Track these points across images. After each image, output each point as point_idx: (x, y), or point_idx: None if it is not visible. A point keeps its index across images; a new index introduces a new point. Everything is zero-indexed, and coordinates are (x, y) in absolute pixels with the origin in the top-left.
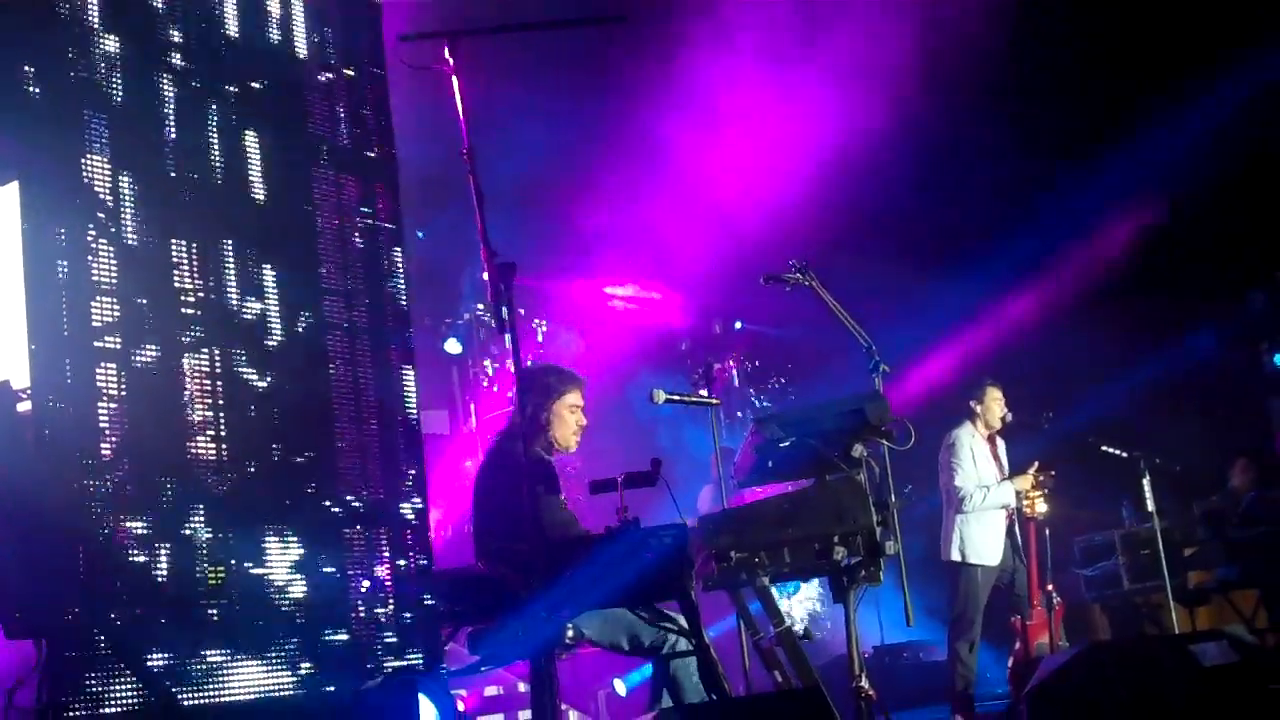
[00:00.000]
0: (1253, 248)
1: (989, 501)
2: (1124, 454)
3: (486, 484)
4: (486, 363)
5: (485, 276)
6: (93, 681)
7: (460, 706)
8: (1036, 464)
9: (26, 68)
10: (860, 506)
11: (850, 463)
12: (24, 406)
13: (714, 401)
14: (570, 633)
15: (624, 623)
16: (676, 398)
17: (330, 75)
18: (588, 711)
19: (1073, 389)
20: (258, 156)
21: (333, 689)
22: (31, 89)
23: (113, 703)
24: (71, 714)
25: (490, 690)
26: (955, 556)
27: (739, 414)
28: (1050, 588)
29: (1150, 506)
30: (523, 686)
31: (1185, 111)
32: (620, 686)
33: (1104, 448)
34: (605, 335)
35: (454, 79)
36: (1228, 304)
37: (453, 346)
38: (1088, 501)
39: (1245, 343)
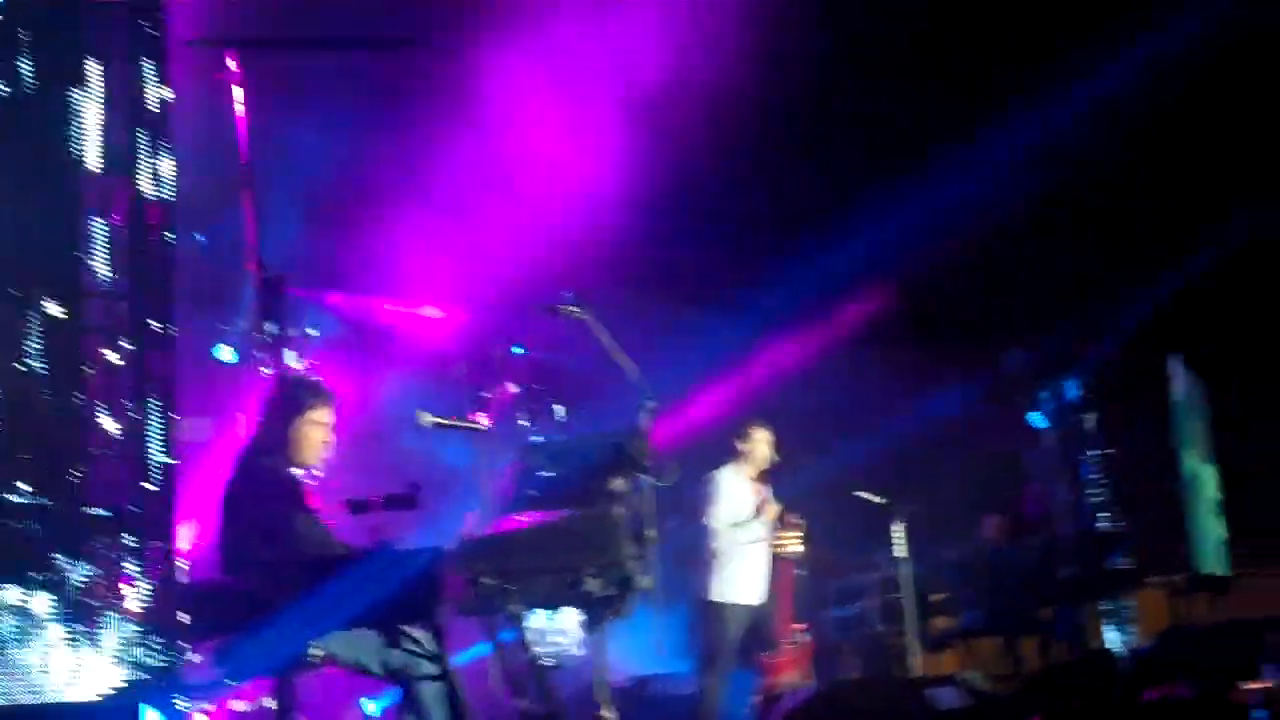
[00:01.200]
0: (1014, 305)
1: (738, 540)
2: (879, 500)
3: (234, 496)
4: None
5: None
6: None
7: None
8: (782, 507)
9: None
10: (616, 540)
11: (610, 496)
12: None
13: (480, 427)
14: (316, 651)
15: (372, 644)
16: (443, 421)
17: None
18: None
19: (836, 434)
20: None
21: (64, 700)
22: None
23: None
24: None
25: (237, 705)
26: (712, 595)
27: (513, 439)
28: (800, 627)
29: (901, 552)
30: (269, 703)
31: (943, 172)
32: (370, 707)
33: (860, 494)
34: (383, 353)
35: (236, 89)
36: (988, 359)
37: (225, 354)
38: (845, 544)
39: (1002, 398)
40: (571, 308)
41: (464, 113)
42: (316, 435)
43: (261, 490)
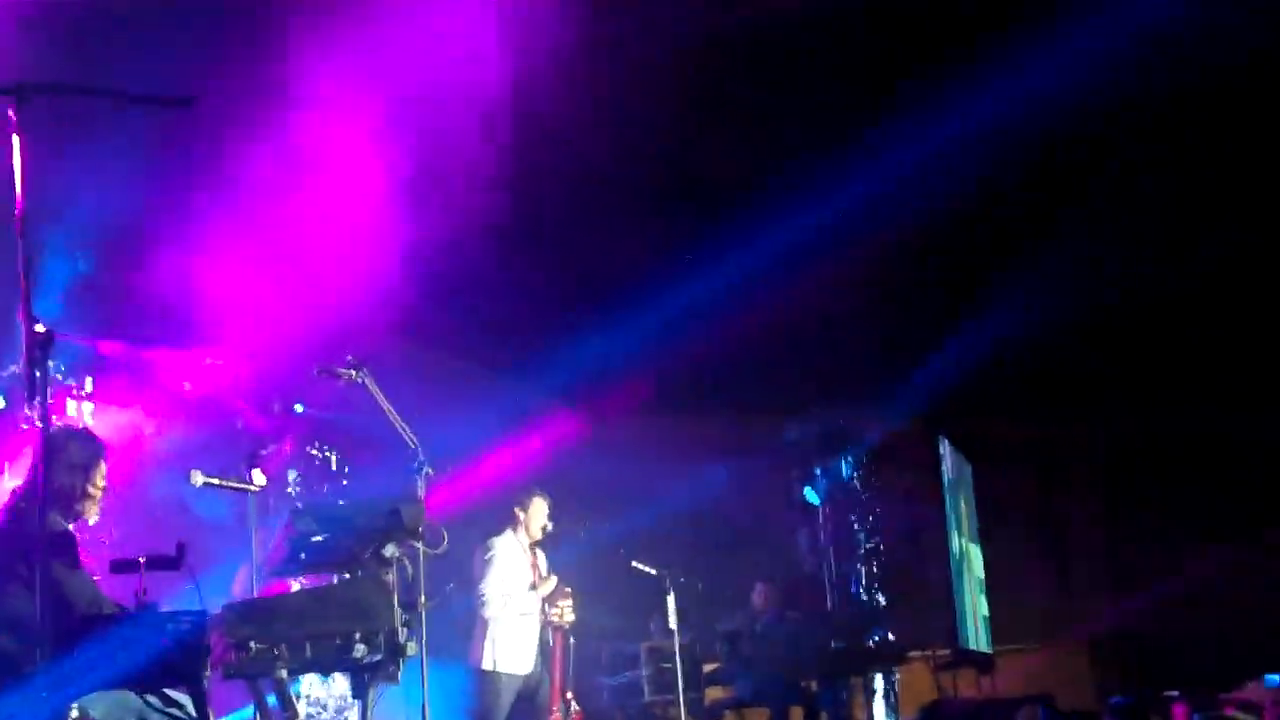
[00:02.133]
0: (793, 381)
1: (511, 609)
2: (652, 570)
3: (4, 548)
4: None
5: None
6: None
7: None
8: (555, 578)
9: None
10: (385, 605)
11: (381, 562)
12: None
13: (253, 487)
14: (75, 714)
15: (132, 706)
16: (215, 481)
17: None
18: None
19: (611, 505)
20: None
21: None
22: None
23: None
24: None
25: None
26: (485, 664)
27: (287, 500)
28: (569, 695)
29: (672, 623)
30: None
31: (729, 246)
32: None
33: (634, 563)
34: (159, 406)
35: (15, 136)
36: (766, 434)
37: None
38: (619, 612)
39: (779, 472)
40: (351, 371)
41: (248, 167)
42: (94, 488)
43: (31, 544)
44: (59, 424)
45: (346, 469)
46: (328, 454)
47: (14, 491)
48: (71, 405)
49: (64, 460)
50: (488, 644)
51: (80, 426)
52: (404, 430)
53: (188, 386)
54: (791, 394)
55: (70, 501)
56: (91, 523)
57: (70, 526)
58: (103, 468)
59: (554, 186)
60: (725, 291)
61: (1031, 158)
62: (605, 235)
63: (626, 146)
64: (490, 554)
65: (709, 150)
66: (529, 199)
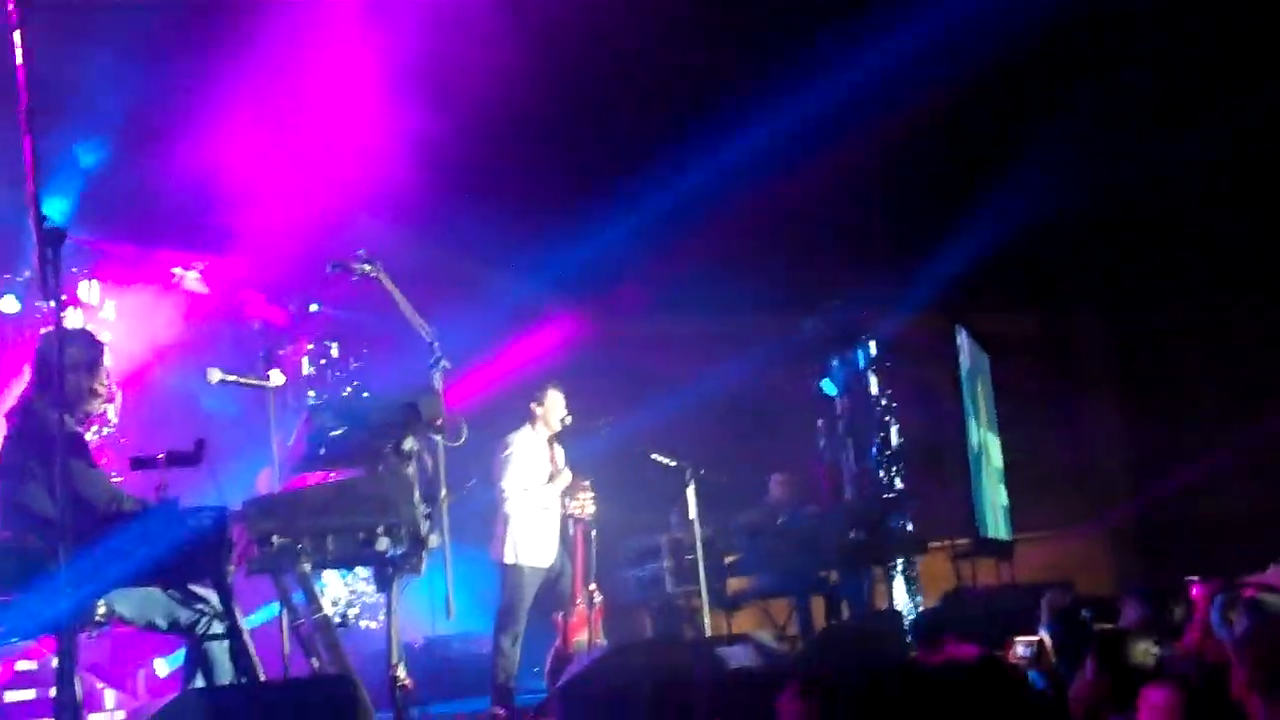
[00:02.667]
0: (809, 273)
1: (530, 503)
2: (672, 463)
3: (17, 450)
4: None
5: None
6: None
7: None
8: (569, 472)
9: None
10: (406, 499)
11: (401, 455)
12: None
13: (271, 385)
14: (102, 609)
15: (159, 602)
16: (232, 378)
17: None
18: (125, 690)
19: (631, 398)
20: None
21: None
22: None
23: None
24: None
25: (23, 665)
26: (505, 557)
27: (308, 398)
28: (593, 588)
29: (693, 514)
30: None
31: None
32: (161, 666)
33: (654, 456)
34: (174, 308)
35: (16, 32)
36: (783, 326)
37: (7, 304)
38: (640, 506)
39: (796, 367)
40: (365, 266)
41: (257, 61)
42: (99, 386)
43: (43, 444)
44: (62, 325)
45: (361, 366)
46: (342, 351)
47: (22, 394)
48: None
49: (67, 362)
50: (508, 538)
51: (80, 328)
52: (419, 324)
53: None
54: (807, 286)
55: (78, 402)
56: (112, 421)
57: (79, 428)
58: (105, 368)
59: (560, 80)
60: (738, 184)
61: (1046, 40)
62: (614, 128)
63: (633, 36)
64: (508, 450)
65: (715, 37)
66: (536, 93)
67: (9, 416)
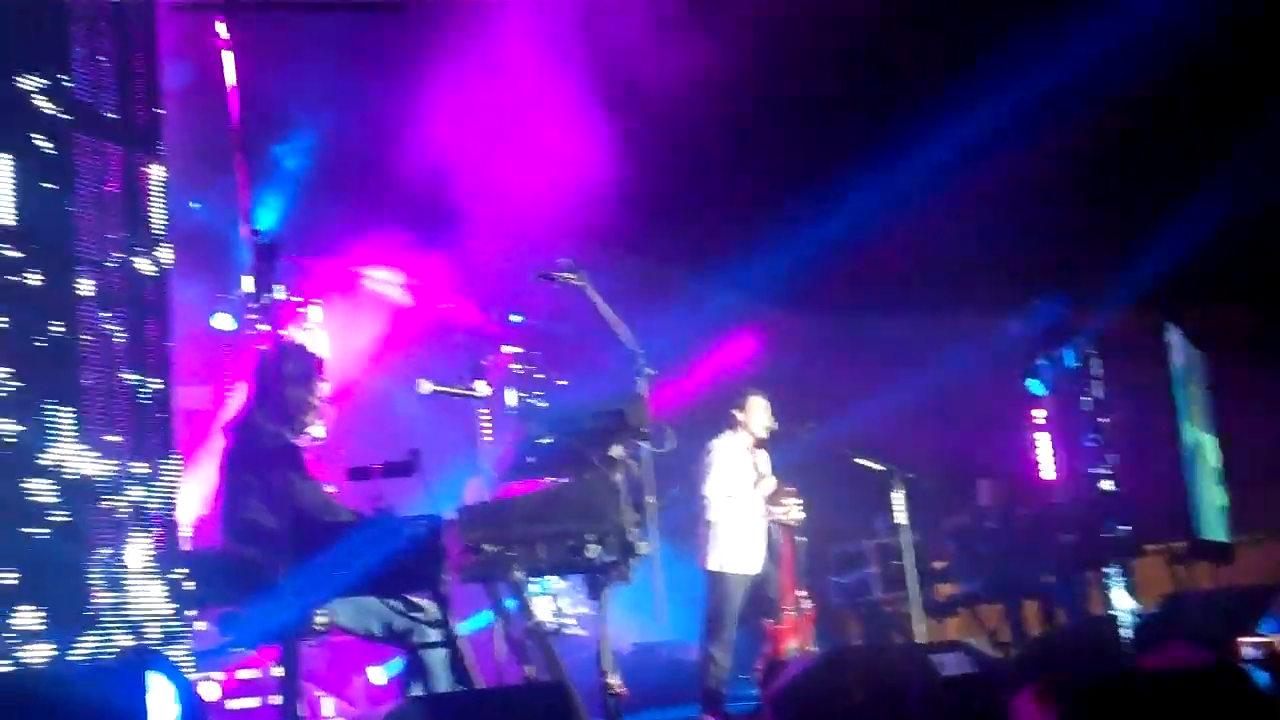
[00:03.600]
0: (1016, 271)
1: (734, 510)
2: (878, 467)
3: (234, 464)
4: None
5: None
6: None
7: (216, 690)
8: (773, 479)
9: None
10: (615, 506)
11: (608, 463)
12: None
13: (479, 393)
14: (321, 618)
15: (376, 610)
16: (443, 389)
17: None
18: (344, 698)
19: (834, 402)
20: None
21: (68, 664)
22: None
23: None
24: None
25: (245, 674)
26: (712, 565)
27: (511, 408)
28: (802, 594)
29: (901, 519)
30: (278, 671)
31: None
32: (378, 674)
33: (859, 460)
34: (382, 321)
35: (226, 54)
36: (989, 326)
37: (223, 322)
38: (845, 511)
39: (1003, 366)
40: (568, 275)
41: (456, 78)
42: (316, 401)
43: (261, 457)
44: (281, 340)
45: (566, 374)
46: (547, 360)
47: (241, 408)
48: (288, 322)
49: (284, 374)
50: (714, 545)
51: (296, 341)
52: (623, 332)
53: (407, 301)
54: (1013, 284)
55: (294, 414)
56: (320, 436)
57: (297, 441)
58: (320, 380)
59: (752, 88)
60: (938, 184)
61: (1267, 24)
62: (811, 131)
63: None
64: (710, 456)
65: (909, 36)
66: (734, 100)
67: (227, 431)
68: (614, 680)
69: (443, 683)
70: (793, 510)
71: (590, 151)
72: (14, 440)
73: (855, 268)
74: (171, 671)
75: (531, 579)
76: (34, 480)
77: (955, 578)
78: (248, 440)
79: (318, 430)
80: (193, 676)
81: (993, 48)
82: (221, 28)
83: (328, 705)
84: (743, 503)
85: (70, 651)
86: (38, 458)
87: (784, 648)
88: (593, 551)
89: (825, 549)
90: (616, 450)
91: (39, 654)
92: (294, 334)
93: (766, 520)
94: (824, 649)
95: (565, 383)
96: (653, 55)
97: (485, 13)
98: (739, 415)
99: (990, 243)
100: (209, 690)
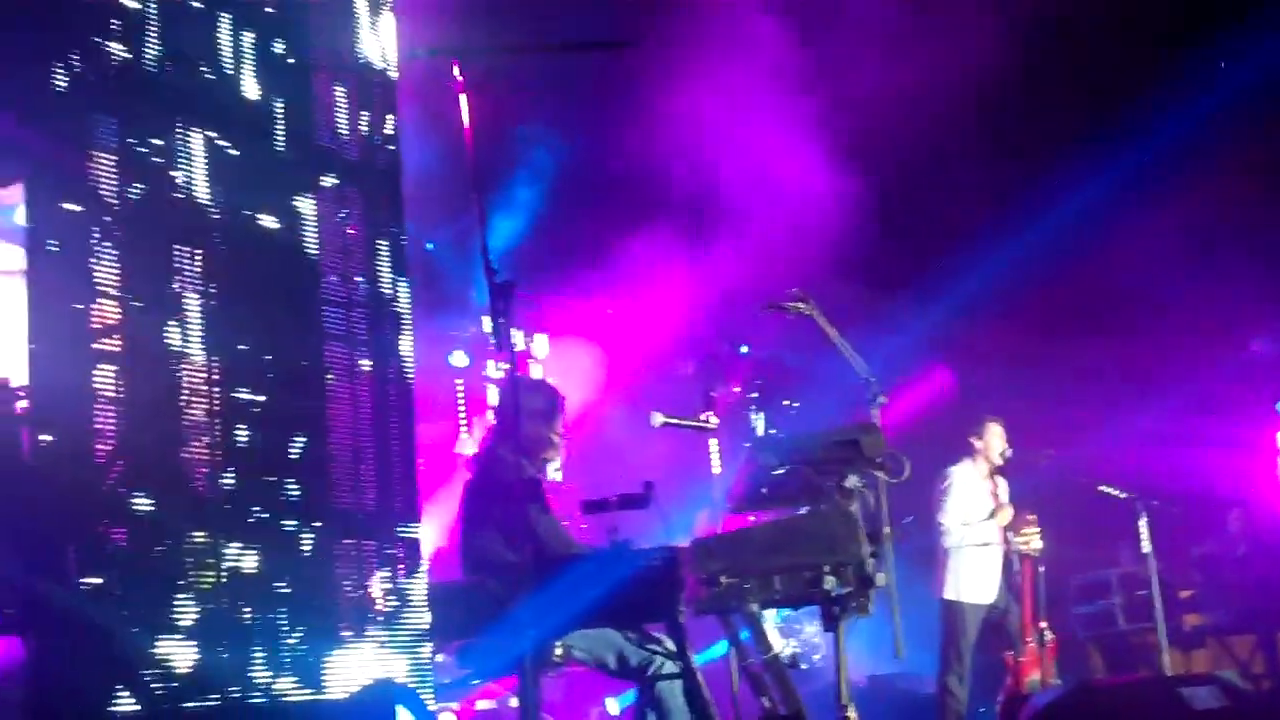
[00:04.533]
0: (1261, 292)
1: (971, 539)
2: (1121, 494)
3: (475, 498)
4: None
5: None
6: (79, 680)
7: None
8: (1010, 508)
9: (50, 66)
10: (852, 537)
11: (844, 493)
12: (23, 404)
13: (711, 425)
14: (558, 650)
15: (612, 642)
16: (674, 421)
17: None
18: None
19: (1073, 428)
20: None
21: (317, 695)
22: (45, 90)
23: (96, 703)
24: (56, 710)
25: (482, 704)
26: (948, 594)
27: (741, 439)
28: (1044, 625)
29: (1146, 548)
30: (514, 702)
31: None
32: (613, 706)
33: (1102, 487)
34: (610, 354)
35: (462, 96)
36: (1234, 348)
37: (458, 359)
38: (1085, 539)
39: (1250, 387)
40: (798, 304)
41: (681, 113)
42: (556, 439)
43: (502, 491)
44: (523, 377)
45: (798, 403)
46: (778, 390)
47: (482, 441)
48: (523, 359)
49: (527, 410)
50: (950, 574)
51: (541, 379)
52: (855, 360)
53: (636, 335)
54: (1258, 304)
55: (537, 449)
56: (556, 470)
57: (539, 475)
58: (561, 417)
59: (967, 111)
60: (1181, 199)
61: None
62: (1035, 148)
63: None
64: (947, 483)
65: (1136, 47)
66: (949, 126)
67: (470, 465)
68: (852, 714)
69: (678, 715)
70: (1033, 539)
71: (818, 179)
72: (267, 473)
73: (1091, 290)
74: (415, 703)
75: (766, 610)
76: (281, 508)
77: (1202, 608)
78: (489, 473)
79: (555, 467)
80: (432, 708)
81: (1219, 57)
82: (456, 70)
83: None
84: (980, 531)
85: (319, 684)
86: (286, 490)
87: (1025, 681)
88: (829, 583)
89: (1066, 578)
90: (852, 480)
91: (289, 686)
92: (535, 370)
93: (1005, 549)
94: (1068, 682)
95: (796, 412)
96: (875, 81)
97: (713, 45)
98: (976, 442)
99: (1232, 261)
100: None
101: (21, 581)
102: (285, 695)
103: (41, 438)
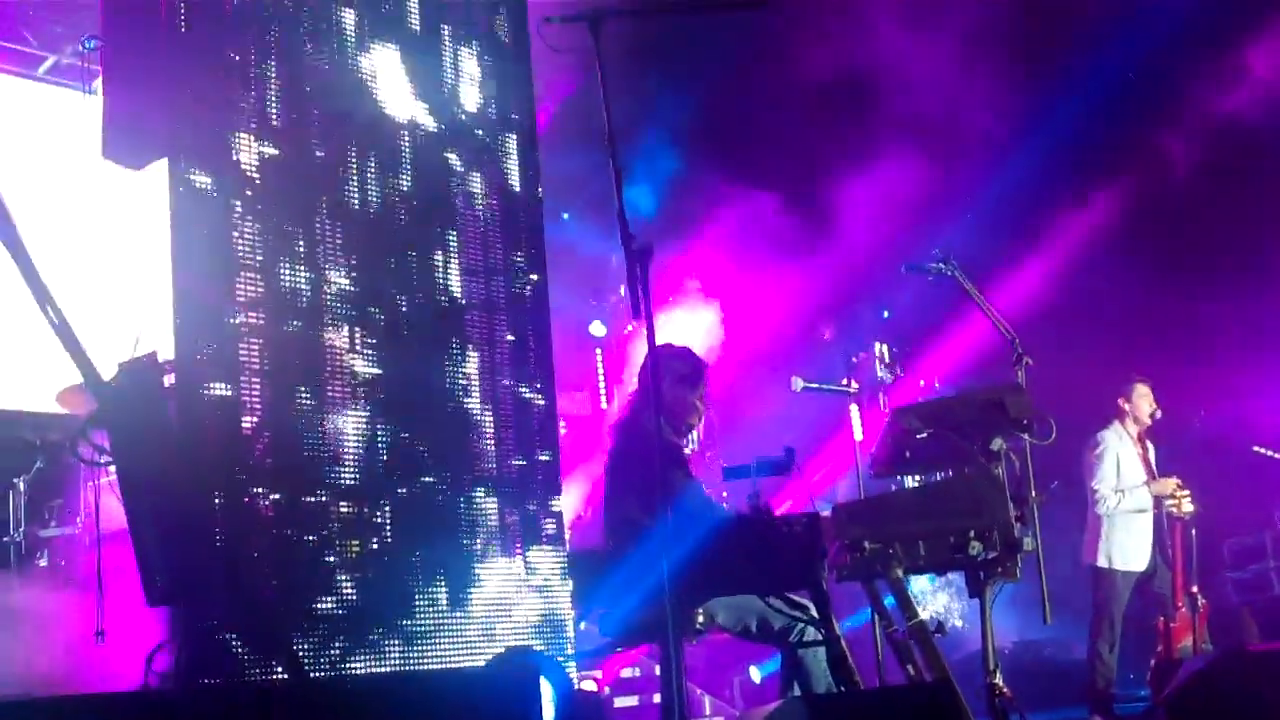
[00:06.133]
0: None
1: (1124, 505)
2: (1278, 455)
3: (618, 465)
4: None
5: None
6: (227, 650)
7: (593, 688)
8: (1175, 478)
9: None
10: (998, 501)
11: (989, 456)
12: (171, 379)
13: (852, 390)
14: (700, 617)
15: (754, 609)
16: (815, 385)
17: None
18: (721, 697)
19: (1226, 387)
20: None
21: (460, 664)
22: (187, 65)
23: (246, 672)
24: (205, 681)
25: (626, 672)
26: (1100, 561)
27: (880, 405)
28: (1195, 590)
29: None
30: (656, 670)
31: None
32: (756, 674)
33: (1257, 448)
34: (749, 320)
35: (596, 60)
36: None
37: (597, 329)
38: (1238, 502)
39: None
40: (940, 265)
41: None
42: (698, 406)
43: (643, 458)
44: (665, 344)
45: (937, 367)
46: (918, 352)
47: (623, 408)
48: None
49: (671, 376)
50: (1102, 541)
51: (683, 346)
52: (998, 322)
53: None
54: None
55: (680, 416)
56: (697, 436)
57: (681, 442)
58: (704, 386)
59: None
60: None
61: None
62: None
63: None
64: (1099, 449)
65: None
66: None
67: (612, 433)
68: (999, 680)
69: (821, 682)
70: (1184, 502)
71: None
72: (410, 443)
73: (1245, 245)
74: (556, 672)
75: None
76: (425, 477)
77: None
78: (631, 441)
79: (695, 435)
80: (574, 676)
81: None
82: (590, 36)
83: (706, 704)
84: (1131, 496)
85: (461, 652)
86: (429, 459)
87: (1177, 647)
88: (975, 548)
89: (1219, 543)
90: (997, 443)
91: (430, 654)
92: (679, 337)
93: (1156, 514)
94: (1221, 648)
95: (937, 379)
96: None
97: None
98: (1124, 404)
99: None
100: (588, 689)
101: (172, 552)
102: (427, 662)
103: (187, 411)
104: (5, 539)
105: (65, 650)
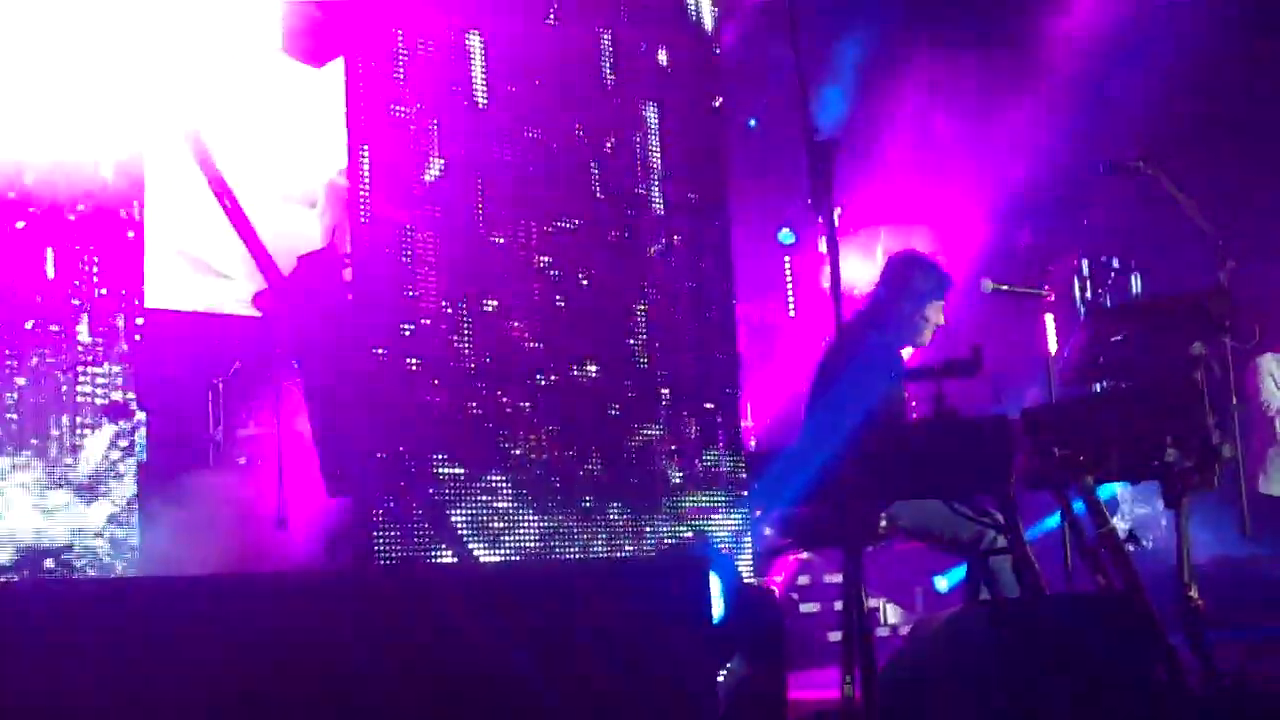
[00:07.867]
0: None
1: None
2: None
3: (832, 366)
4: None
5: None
6: (402, 537)
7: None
8: None
9: None
10: (1197, 406)
11: (1189, 361)
12: (349, 273)
13: (1044, 293)
14: (883, 522)
15: (939, 515)
16: (1005, 287)
17: None
18: (904, 605)
19: None
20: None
21: (626, 555)
22: None
23: (419, 557)
24: (383, 564)
25: (802, 579)
26: None
27: (1076, 309)
28: None
29: None
30: (826, 578)
31: None
32: (942, 583)
33: None
34: (940, 223)
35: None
36: None
37: (785, 236)
38: None
39: None
40: (1140, 164)
41: None
42: (933, 319)
43: (866, 364)
44: (913, 255)
45: (1139, 270)
46: (1118, 256)
47: (855, 313)
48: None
49: (911, 288)
50: None
51: (928, 257)
52: (1202, 222)
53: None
54: None
55: (909, 331)
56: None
57: (902, 349)
58: (940, 303)
59: None
60: None
61: None
62: None
63: None
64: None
65: None
66: None
67: (837, 336)
68: (1194, 594)
69: (1008, 589)
70: None
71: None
72: (584, 339)
73: None
74: (727, 568)
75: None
76: (597, 371)
77: None
78: (856, 346)
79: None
80: (750, 579)
81: None
82: None
83: (890, 612)
84: None
85: (635, 546)
86: (606, 351)
87: None
88: (1171, 456)
89: None
90: (1196, 347)
91: (605, 547)
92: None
93: None
94: None
95: (1137, 282)
96: None
97: None
98: None
99: None
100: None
101: (353, 446)
102: (598, 553)
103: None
104: (205, 437)
105: (254, 538)
